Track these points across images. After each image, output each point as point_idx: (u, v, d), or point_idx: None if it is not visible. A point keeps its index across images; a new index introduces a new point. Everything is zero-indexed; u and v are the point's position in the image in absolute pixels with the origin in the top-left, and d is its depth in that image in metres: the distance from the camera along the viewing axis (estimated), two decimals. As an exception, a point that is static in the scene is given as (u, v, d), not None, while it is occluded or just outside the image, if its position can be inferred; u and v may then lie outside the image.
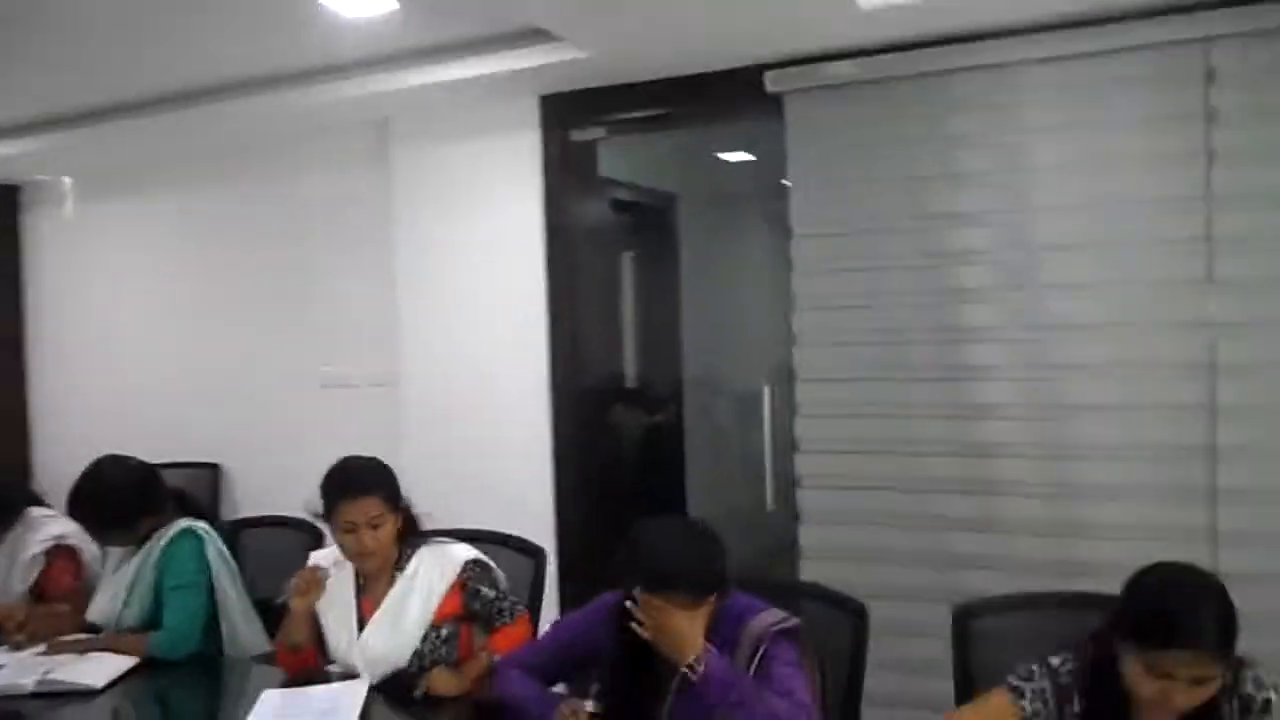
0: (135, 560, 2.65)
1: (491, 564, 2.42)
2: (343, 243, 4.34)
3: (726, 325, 5.46)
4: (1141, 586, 1.67)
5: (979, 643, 2.06)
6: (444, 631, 2.33)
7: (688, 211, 5.01)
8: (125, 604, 2.62)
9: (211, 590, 2.64)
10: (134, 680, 2.40)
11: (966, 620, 2.08)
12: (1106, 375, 3.05)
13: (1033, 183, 3.13)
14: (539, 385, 3.85)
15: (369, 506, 2.31)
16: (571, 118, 3.80)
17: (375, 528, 2.31)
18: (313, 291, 4.42)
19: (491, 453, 3.91)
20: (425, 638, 2.30)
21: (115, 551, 2.75)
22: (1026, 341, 3.15)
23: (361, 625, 2.32)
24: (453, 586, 2.34)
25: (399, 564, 2.37)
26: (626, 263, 4.59)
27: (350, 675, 2.28)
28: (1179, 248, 2.96)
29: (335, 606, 2.35)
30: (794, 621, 1.91)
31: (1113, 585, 2.25)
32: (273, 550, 3.00)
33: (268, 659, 2.60)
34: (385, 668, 2.27)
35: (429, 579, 2.34)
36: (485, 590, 2.37)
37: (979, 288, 3.21)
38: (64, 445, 5.06)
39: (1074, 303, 3.08)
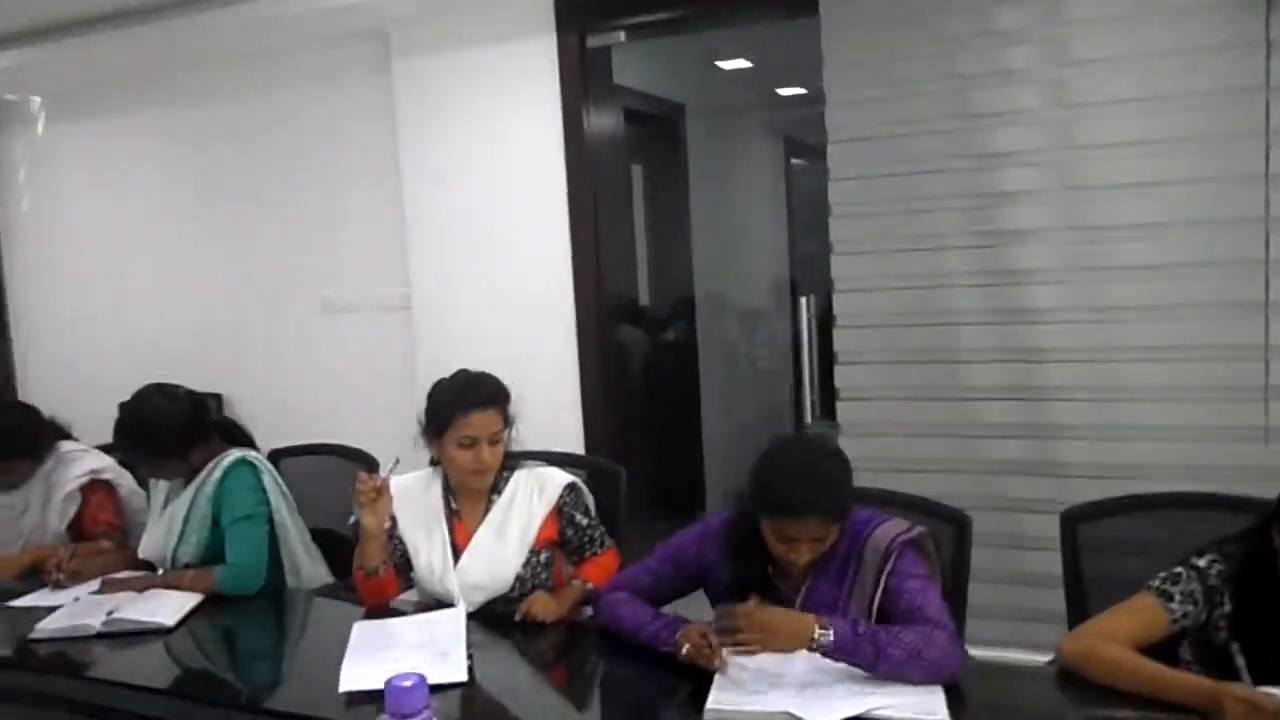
0: (188, 493, 2.52)
1: (585, 489, 2.34)
2: (343, 160, 4.14)
3: (736, 240, 5.38)
4: None
5: (1087, 547, 2.03)
6: (544, 556, 2.26)
7: (695, 122, 4.87)
8: (180, 539, 2.50)
9: (271, 522, 2.53)
10: (198, 618, 2.30)
11: (1074, 524, 2.05)
12: (1157, 276, 3.02)
13: (1081, 79, 3.04)
14: (562, 304, 3.74)
15: (493, 420, 2.21)
16: (589, 21, 3.62)
17: (494, 444, 2.21)
18: (312, 212, 4.22)
19: (513, 375, 3.80)
20: (526, 562, 2.22)
21: (161, 485, 2.62)
22: (1073, 244, 3.10)
23: (455, 550, 2.23)
24: (551, 511, 2.26)
25: (495, 487, 2.28)
26: (636, 176, 4.46)
27: (429, 606, 2.20)
28: (1234, 144, 2.90)
29: (426, 530, 2.26)
30: (919, 530, 1.86)
31: (1164, 486, 2.26)
32: (315, 480, 2.89)
33: (331, 592, 2.52)
34: (484, 594, 2.20)
35: (528, 502, 2.25)
36: (579, 517, 2.30)
37: (1024, 190, 3.14)
38: (52, 375, 4.87)
39: (1124, 202, 3.02)
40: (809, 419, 3.63)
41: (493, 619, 2.14)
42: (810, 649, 1.67)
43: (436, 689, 1.76)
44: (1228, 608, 1.69)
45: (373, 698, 1.67)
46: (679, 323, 4.78)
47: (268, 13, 3.65)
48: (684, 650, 1.78)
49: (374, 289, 4.13)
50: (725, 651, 1.73)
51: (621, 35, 3.69)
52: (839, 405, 3.46)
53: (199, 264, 4.47)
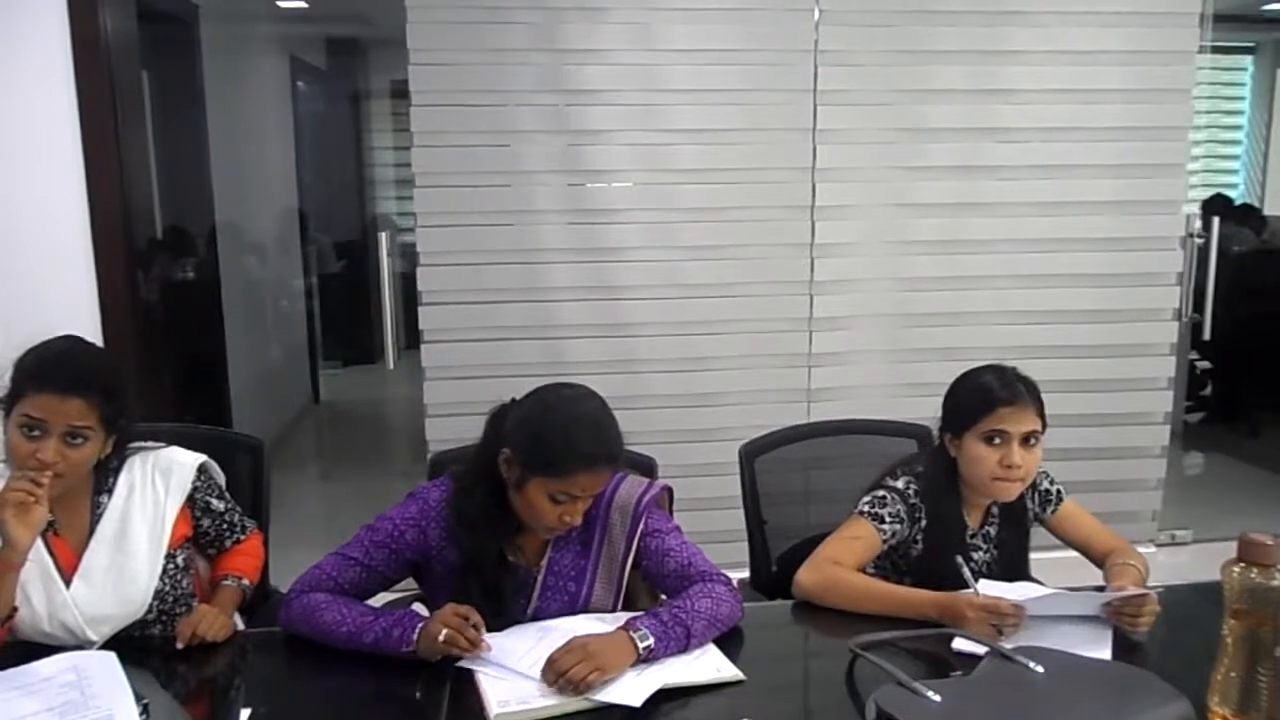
0: None
1: (216, 467, 1.91)
2: None
3: (250, 165, 4.79)
4: (964, 385, 1.87)
5: (762, 474, 2.17)
6: (181, 559, 1.81)
7: (209, 28, 4.22)
8: None
9: None
10: None
11: (751, 457, 2.16)
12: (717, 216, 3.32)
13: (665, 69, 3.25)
14: (77, 241, 3.06)
15: (75, 410, 1.61)
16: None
17: (73, 439, 1.62)
18: None
19: (15, 330, 3.04)
20: (164, 571, 1.77)
21: None
22: (648, 184, 3.30)
23: (64, 576, 1.68)
24: (184, 502, 1.81)
25: (102, 487, 1.75)
26: (146, 85, 3.76)
27: (54, 647, 1.64)
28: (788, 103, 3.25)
29: None
30: (660, 486, 1.80)
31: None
32: None
33: None
34: (113, 625, 1.70)
35: (152, 495, 1.77)
36: (215, 502, 1.88)
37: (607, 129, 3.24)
38: None
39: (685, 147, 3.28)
40: (391, 364, 3.39)
41: (132, 649, 1.64)
42: (639, 659, 1.53)
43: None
44: (924, 522, 1.88)
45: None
46: (200, 258, 4.16)
47: None
48: (442, 637, 1.53)
49: None
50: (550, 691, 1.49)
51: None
52: (423, 348, 3.30)
53: None
